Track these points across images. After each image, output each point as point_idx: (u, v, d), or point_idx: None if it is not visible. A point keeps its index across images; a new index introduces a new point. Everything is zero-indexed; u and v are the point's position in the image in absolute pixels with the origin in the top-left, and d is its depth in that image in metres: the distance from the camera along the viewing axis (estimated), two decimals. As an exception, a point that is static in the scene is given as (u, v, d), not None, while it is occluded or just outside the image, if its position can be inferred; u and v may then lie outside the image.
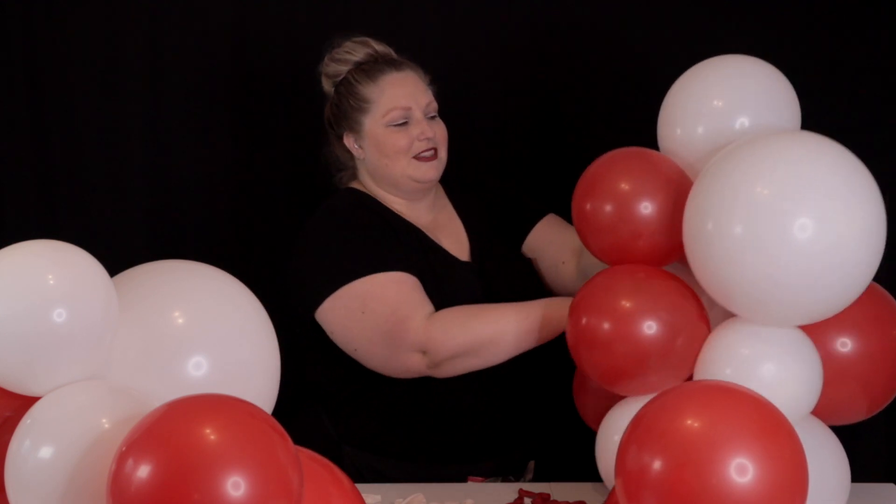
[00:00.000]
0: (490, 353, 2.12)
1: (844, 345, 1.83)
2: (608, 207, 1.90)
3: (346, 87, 2.30)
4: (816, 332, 1.82)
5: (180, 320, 1.51)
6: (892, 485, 2.12)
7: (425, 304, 2.15)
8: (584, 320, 1.88)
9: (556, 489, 2.09)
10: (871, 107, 2.74)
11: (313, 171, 2.80)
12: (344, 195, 2.34)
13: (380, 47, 2.32)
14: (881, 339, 1.84)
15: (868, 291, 1.84)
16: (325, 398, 2.32)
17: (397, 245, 2.23)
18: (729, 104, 1.86)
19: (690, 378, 1.85)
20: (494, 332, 2.11)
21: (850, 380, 1.83)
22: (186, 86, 2.78)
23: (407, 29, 2.74)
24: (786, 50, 2.74)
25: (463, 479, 2.22)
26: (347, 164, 2.36)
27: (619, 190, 1.90)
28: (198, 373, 1.48)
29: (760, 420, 1.44)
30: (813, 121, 2.73)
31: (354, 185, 2.35)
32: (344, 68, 2.31)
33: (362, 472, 2.25)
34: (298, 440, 2.29)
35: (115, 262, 1.55)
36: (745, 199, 1.70)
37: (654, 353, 1.83)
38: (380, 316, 2.13)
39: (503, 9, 2.78)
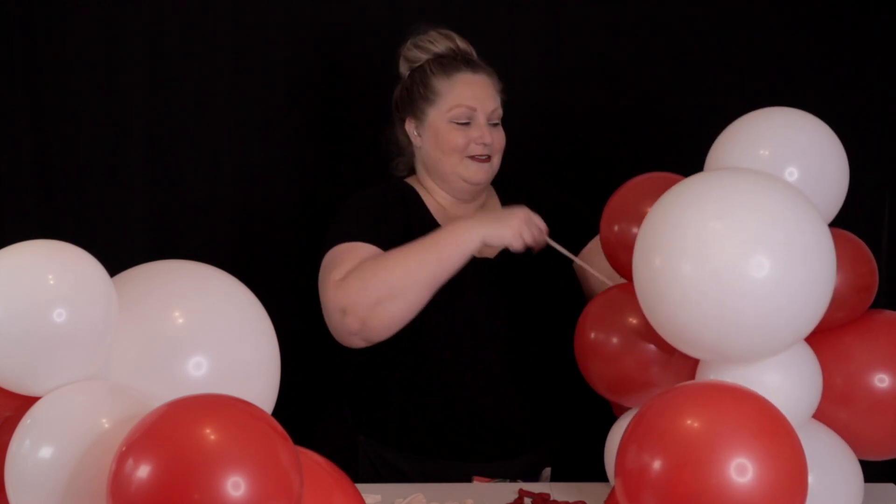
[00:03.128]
0: (403, 295, 2.11)
1: (882, 381, 1.81)
2: (634, 230, 1.90)
3: (420, 74, 2.34)
4: (854, 367, 1.81)
5: (180, 320, 1.51)
6: (892, 485, 2.12)
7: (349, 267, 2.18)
8: (592, 335, 1.91)
9: (556, 489, 2.09)
10: (869, 108, 2.75)
11: (314, 171, 2.81)
12: (393, 182, 2.39)
13: (462, 44, 2.37)
14: None
15: None
16: (347, 386, 2.35)
17: (394, 225, 2.25)
18: (776, 153, 1.79)
19: None
20: (401, 273, 2.11)
21: (887, 415, 1.82)
22: (187, 85, 2.77)
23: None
24: (783, 59, 2.75)
25: (470, 477, 2.22)
26: (405, 150, 2.40)
27: (645, 213, 1.89)
28: (198, 373, 1.48)
29: (760, 420, 1.44)
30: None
31: (410, 180, 2.39)
32: (424, 56, 2.35)
33: (375, 462, 2.28)
34: (323, 428, 2.32)
35: (115, 262, 1.55)
36: (695, 233, 1.66)
37: (657, 366, 1.85)
38: (322, 275, 2.21)
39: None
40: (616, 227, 1.97)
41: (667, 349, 1.84)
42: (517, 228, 2.13)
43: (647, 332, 1.84)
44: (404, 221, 2.28)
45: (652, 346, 1.85)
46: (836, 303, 1.78)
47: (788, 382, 1.74)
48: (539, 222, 2.16)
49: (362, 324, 2.13)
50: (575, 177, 2.81)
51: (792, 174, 1.78)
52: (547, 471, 2.33)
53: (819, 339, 1.81)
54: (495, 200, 2.42)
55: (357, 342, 2.18)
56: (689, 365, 1.83)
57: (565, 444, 2.39)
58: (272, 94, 2.80)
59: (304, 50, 2.79)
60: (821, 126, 1.85)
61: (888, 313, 1.91)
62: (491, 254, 2.31)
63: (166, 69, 2.77)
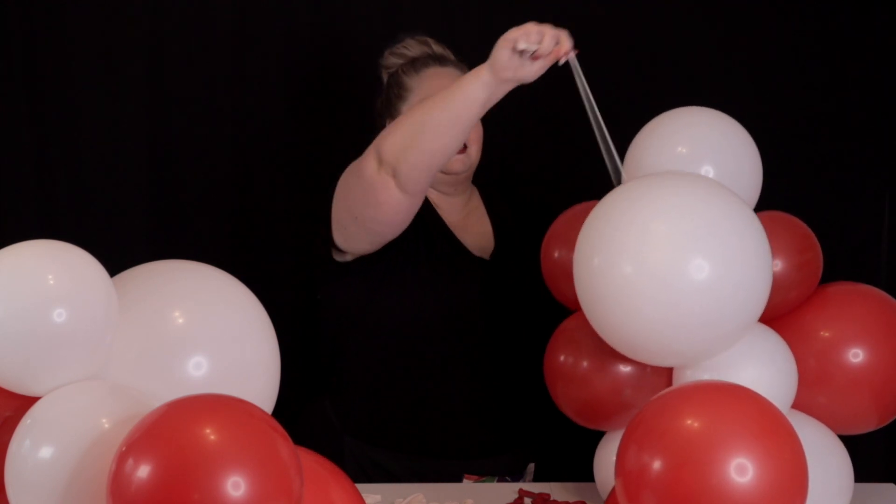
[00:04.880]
0: (427, 136, 2.03)
1: (856, 356, 1.83)
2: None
3: (393, 77, 2.37)
4: (828, 342, 1.83)
5: (180, 320, 1.51)
6: (891, 485, 2.12)
7: None
8: (561, 358, 1.91)
9: (556, 489, 2.09)
10: (869, 108, 2.75)
11: (314, 170, 2.81)
12: None
13: (437, 48, 2.38)
14: (893, 350, 1.84)
15: (879, 302, 1.87)
16: (331, 386, 2.35)
17: None
18: (693, 151, 1.83)
19: None
20: (422, 114, 2.05)
21: (861, 390, 1.83)
22: (186, 85, 2.78)
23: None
24: (784, 59, 2.75)
25: (458, 475, 2.23)
26: None
27: None
28: (198, 373, 1.48)
29: (760, 420, 1.44)
30: (816, 121, 2.76)
31: None
32: (399, 62, 2.37)
33: (361, 463, 2.27)
34: (306, 430, 2.34)
35: (115, 262, 1.55)
36: (636, 235, 1.67)
37: (628, 386, 1.85)
38: (349, 172, 2.18)
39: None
40: (556, 254, 1.98)
41: (639, 370, 1.84)
42: (510, 40, 1.93)
43: (619, 354, 1.83)
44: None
45: (624, 368, 1.85)
46: (785, 285, 1.82)
47: (766, 374, 1.75)
48: (564, 38, 1.94)
49: (394, 170, 2.08)
50: (565, 178, 2.81)
51: (708, 171, 1.82)
52: (531, 466, 2.35)
53: (781, 323, 1.84)
54: (477, 198, 2.43)
55: (394, 193, 2.09)
56: (663, 384, 1.83)
57: (549, 440, 2.40)
58: (272, 95, 2.80)
59: (303, 50, 2.79)
60: (734, 124, 1.89)
61: (840, 285, 1.92)
62: (485, 254, 2.32)
63: (166, 69, 2.77)
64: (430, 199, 2.35)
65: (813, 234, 1.91)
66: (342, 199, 2.20)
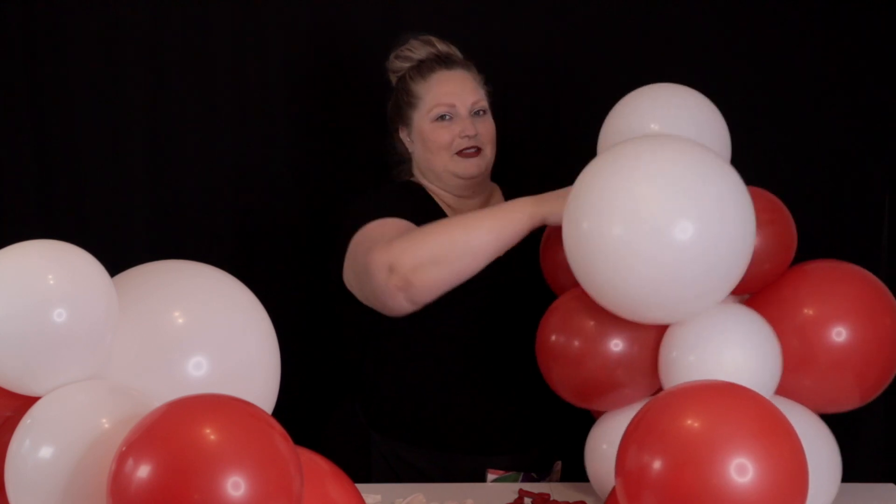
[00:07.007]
0: (448, 260, 2.06)
1: (839, 334, 1.84)
2: None
3: (402, 83, 2.38)
4: (812, 321, 1.85)
5: (180, 320, 1.51)
6: (891, 485, 2.12)
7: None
8: (553, 338, 1.93)
9: (556, 489, 2.09)
10: (869, 108, 2.75)
11: (314, 171, 2.81)
12: (398, 181, 2.42)
13: (442, 46, 2.39)
14: (875, 328, 1.86)
15: (861, 281, 1.89)
16: (358, 384, 2.37)
17: (411, 208, 2.25)
18: (665, 128, 1.87)
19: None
20: (448, 239, 2.07)
21: (844, 369, 1.85)
22: (187, 85, 2.78)
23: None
24: (785, 58, 2.75)
25: (482, 470, 2.24)
26: (405, 158, 2.42)
27: None
28: (198, 373, 1.48)
29: (760, 420, 1.44)
30: (816, 121, 2.75)
31: (415, 179, 2.42)
32: (405, 65, 2.39)
33: (388, 458, 2.30)
34: (335, 428, 2.34)
35: (115, 262, 1.55)
36: (624, 199, 1.72)
37: (621, 365, 1.86)
38: (360, 251, 2.16)
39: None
40: (559, 255, 1.98)
41: (630, 349, 1.86)
42: None
43: (610, 333, 1.86)
44: (419, 216, 2.28)
45: (615, 347, 1.87)
46: (757, 254, 1.83)
47: (751, 356, 1.77)
48: None
49: (406, 282, 2.07)
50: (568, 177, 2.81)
51: None
52: (558, 464, 2.35)
53: (758, 299, 1.87)
54: (499, 195, 2.44)
55: (402, 303, 2.11)
56: (650, 360, 1.86)
57: (576, 437, 2.40)
58: (272, 95, 2.80)
59: (304, 51, 2.79)
60: (702, 99, 1.93)
61: (818, 262, 1.94)
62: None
63: (166, 70, 2.77)
64: (445, 203, 2.36)
65: (783, 205, 1.94)
66: (351, 273, 2.20)
